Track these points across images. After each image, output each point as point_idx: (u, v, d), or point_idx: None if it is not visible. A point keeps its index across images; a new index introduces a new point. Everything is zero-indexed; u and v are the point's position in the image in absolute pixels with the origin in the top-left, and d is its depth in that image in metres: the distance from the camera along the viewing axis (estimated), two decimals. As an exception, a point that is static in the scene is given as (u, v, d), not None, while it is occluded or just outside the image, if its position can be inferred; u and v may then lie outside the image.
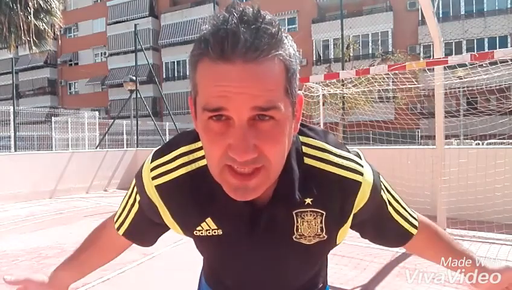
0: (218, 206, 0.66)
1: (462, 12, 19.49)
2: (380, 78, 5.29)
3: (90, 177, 8.82)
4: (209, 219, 0.68)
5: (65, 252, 3.98)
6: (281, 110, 0.52)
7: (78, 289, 3.01)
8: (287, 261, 0.74)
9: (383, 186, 0.74)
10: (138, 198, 0.74)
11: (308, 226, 0.68)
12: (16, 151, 9.02)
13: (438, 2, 5.00)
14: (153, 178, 0.69)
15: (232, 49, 0.49)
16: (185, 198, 0.68)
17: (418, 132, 11.55)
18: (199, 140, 0.66)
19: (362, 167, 0.69)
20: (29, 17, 9.49)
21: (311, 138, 0.69)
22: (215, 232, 0.69)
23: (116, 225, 0.82)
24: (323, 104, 6.13)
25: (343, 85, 6.33)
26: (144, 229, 0.79)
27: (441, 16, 18.61)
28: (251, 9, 0.52)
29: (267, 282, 0.78)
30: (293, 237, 0.69)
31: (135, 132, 10.99)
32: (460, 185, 4.65)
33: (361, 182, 0.67)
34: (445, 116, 4.79)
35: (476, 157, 4.77)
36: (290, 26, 23.73)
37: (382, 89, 5.79)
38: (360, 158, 0.71)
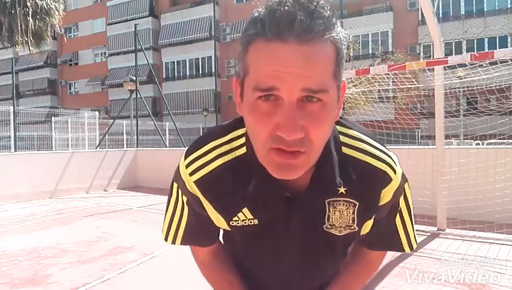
0: (255, 195, 0.66)
1: (462, 12, 19.49)
2: (380, 78, 5.28)
3: (90, 177, 8.81)
4: (245, 209, 0.68)
5: (65, 252, 3.98)
6: (329, 93, 0.53)
7: (78, 289, 3.00)
8: (315, 252, 0.73)
9: (404, 191, 0.74)
10: (185, 198, 0.74)
11: (340, 216, 0.67)
12: (15, 151, 9.02)
13: (438, 2, 4.99)
14: (191, 174, 0.69)
15: (288, 29, 0.49)
16: (223, 188, 0.68)
17: (418, 132, 11.55)
18: (234, 130, 0.70)
19: (396, 165, 0.69)
20: (28, 17, 9.50)
21: (348, 128, 0.70)
22: (251, 222, 0.69)
23: (170, 239, 0.80)
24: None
25: (343, 85, 6.31)
26: (201, 228, 0.78)
27: (441, 16, 18.59)
28: None
29: (294, 274, 0.77)
30: (324, 226, 0.68)
31: (135, 132, 10.99)
32: (460, 185, 4.65)
33: (392, 179, 0.68)
34: (445, 116, 4.79)
35: (476, 157, 4.77)
36: (290, 26, 23.72)
37: (382, 89, 5.78)
38: (395, 158, 0.71)
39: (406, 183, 0.74)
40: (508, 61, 4.02)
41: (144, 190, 8.97)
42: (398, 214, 0.75)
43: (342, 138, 0.68)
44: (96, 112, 13.05)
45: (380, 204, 0.69)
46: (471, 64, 4.20)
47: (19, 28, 9.45)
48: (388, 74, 4.70)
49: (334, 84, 0.55)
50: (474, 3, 19.31)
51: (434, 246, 3.97)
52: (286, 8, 0.50)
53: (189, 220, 0.77)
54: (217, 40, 22.20)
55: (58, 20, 10.53)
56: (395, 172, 0.68)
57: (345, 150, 0.67)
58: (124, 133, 12.57)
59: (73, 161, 8.48)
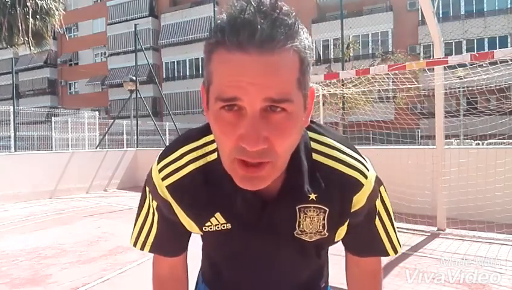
0: (227, 200, 0.66)
1: (462, 12, 19.49)
2: (380, 78, 5.28)
3: (90, 177, 8.81)
4: (218, 213, 0.68)
5: (65, 252, 3.98)
6: (293, 102, 0.52)
7: (78, 289, 3.01)
8: (286, 257, 0.74)
9: (380, 194, 0.74)
10: (155, 204, 0.73)
11: (310, 222, 0.68)
12: (15, 151, 9.02)
13: (438, 2, 4.99)
14: (163, 179, 0.69)
15: (249, 39, 0.48)
16: (196, 194, 0.68)
17: (418, 132, 11.55)
18: (206, 135, 0.69)
19: (368, 170, 0.69)
20: (28, 17, 9.50)
21: (320, 134, 0.69)
22: (224, 226, 0.69)
23: (139, 245, 0.78)
24: (323, 104, 6.12)
25: (343, 85, 6.33)
26: (171, 236, 0.76)
27: (441, 16, 18.60)
28: (274, 2, 0.50)
29: (267, 278, 0.78)
30: (294, 232, 0.69)
31: (135, 132, 10.98)
32: (460, 185, 4.65)
33: (363, 184, 0.67)
34: (445, 116, 4.79)
35: (476, 157, 4.77)
36: (290, 26, 23.72)
37: (382, 89, 5.78)
38: (367, 163, 0.71)
39: (382, 186, 0.74)
40: (508, 61, 4.02)
41: (144, 190, 8.96)
42: (377, 217, 0.75)
43: (313, 145, 0.68)
44: (96, 112, 13.04)
45: (352, 210, 0.69)
46: (471, 64, 4.20)
47: (19, 28, 9.45)
48: (388, 74, 4.70)
49: (299, 93, 0.53)
50: (474, 3, 19.32)
51: (434, 246, 3.97)
52: (247, 16, 0.48)
53: (159, 228, 0.75)
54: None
55: (58, 20, 10.52)
56: (366, 177, 0.68)
57: (315, 156, 0.67)
58: (124, 133, 12.56)
59: (73, 161, 8.48)
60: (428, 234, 4.45)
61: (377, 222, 0.75)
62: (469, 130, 5.92)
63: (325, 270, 0.89)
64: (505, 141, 6.08)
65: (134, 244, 0.79)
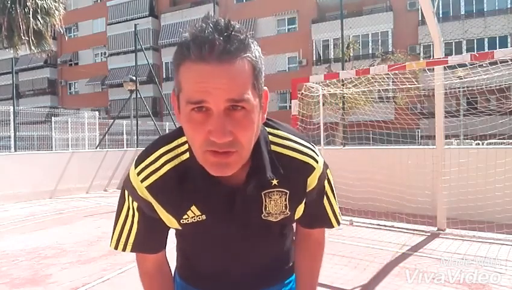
0: (200, 193, 0.75)
1: (462, 12, 19.47)
2: (380, 78, 5.28)
3: (90, 177, 8.82)
4: (193, 206, 0.77)
5: (65, 252, 3.98)
6: (250, 101, 0.63)
7: (78, 289, 3.01)
8: (256, 239, 0.84)
9: (327, 176, 0.87)
10: (135, 205, 0.80)
11: (274, 204, 0.79)
12: (16, 151, 9.01)
13: (438, 2, 4.99)
14: (142, 180, 0.76)
15: (209, 52, 0.59)
16: (173, 191, 0.75)
17: (418, 132, 11.54)
18: (178, 138, 0.78)
19: (318, 156, 0.82)
20: (28, 17, 9.49)
21: (276, 129, 0.81)
22: (199, 218, 0.78)
23: (120, 246, 0.84)
24: (323, 104, 6.12)
25: (343, 85, 6.32)
26: (151, 233, 0.83)
27: (441, 16, 18.58)
28: (223, 20, 0.61)
29: (239, 263, 0.87)
30: (262, 215, 0.79)
31: (135, 132, 10.99)
32: (460, 185, 4.65)
33: (315, 168, 0.80)
34: (445, 116, 4.79)
35: (476, 157, 4.77)
36: (290, 26, 23.70)
37: (382, 89, 5.78)
38: (316, 150, 0.83)
39: (328, 169, 0.88)
40: (508, 61, 4.02)
41: (144, 190, 8.96)
42: (325, 196, 0.88)
43: (271, 138, 0.79)
44: (96, 112, 13.03)
45: (307, 190, 0.81)
46: (471, 64, 4.20)
47: (19, 27, 9.44)
48: (388, 74, 4.70)
49: (255, 93, 0.65)
50: (474, 3, 19.30)
51: (434, 246, 3.98)
52: (206, 34, 0.59)
53: (140, 226, 0.81)
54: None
55: (58, 20, 10.51)
56: (317, 162, 0.80)
57: (273, 147, 0.78)
58: (124, 133, 12.56)
59: (73, 161, 8.49)
60: (428, 234, 4.45)
61: (325, 200, 0.88)
62: (469, 130, 5.92)
63: (291, 257, 0.98)
64: (505, 141, 6.08)
65: (116, 247, 0.84)
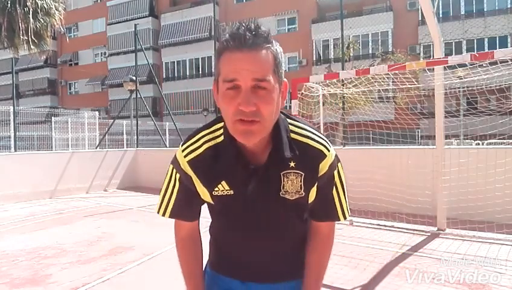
0: (230, 171, 0.91)
1: (462, 12, 19.46)
2: (380, 78, 5.28)
3: (90, 177, 8.81)
4: (223, 181, 0.93)
5: (65, 252, 3.98)
6: (271, 82, 0.81)
7: (78, 289, 3.01)
8: (274, 212, 0.96)
9: (338, 168, 0.98)
10: (178, 176, 0.98)
11: (291, 184, 0.92)
12: (16, 151, 9.01)
13: (438, 2, 4.99)
14: (185, 156, 0.95)
15: (242, 44, 0.79)
16: (208, 166, 0.93)
17: (418, 132, 11.54)
18: (216, 124, 0.97)
19: (329, 147, 0.95)
20: (28, 17, 9.48)
21: (295, 121, 0.97)
22: (228, 192, 0.94)
23: (161, 211, 1.03)
24: (323, 104, 6.11)
25: (343, 85, 6.32)
26: (187, 203, 1.01)
27: (441, 16, 18.58)
28: (253, 23, 0.82)
29: (262, 239, 0.99)
30: (280, 193, 0.92)
31: (135, 132, 10.98)
32: (460, 185, 4.65)
33: (326, 155, 0.93)
34: (445, 116, 4.78)
35: (476, 157, 4.77)
36: (290, 26, 23.71)
37: (382, 89, 5.78)
38: (328, 142, 0.96)
39: (339, 163, 0.99)
40: (508, 61, 4.02)
41: (143, 190, 8.97)
42: (334, 187, 0.98)
43: (291, 127, 0.94)
44: (96, 112, 13.03)
45: (319, 174, 0.93)
46: (471, 64, 4.20)
47: (19, 28, 9.44)
48: (388, 74, 4.70)
49: (275, 78, 0.83)
50: (474, 3, 19.29)
51: (434, 246, 3.97)
52: (240, 32, 0.80)
53: (178, 196, 1.00)
54: (217, 40, 22.14)
55: (58, 20, 10.50)
56: (328, 151, 0.94)
57: (292, 135, 0.93)
58: (124, 133, 12.56)
59: (73, 161, 8.48)
60: (428, 234, 4.45)
61: (334, 191, 0.99)
62: (469, 130, 5.92)
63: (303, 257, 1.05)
64: (505, 141, 6.08)
65: (158, 212, 1.04)
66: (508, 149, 4.95)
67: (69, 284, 3.09)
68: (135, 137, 10.90)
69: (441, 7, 18.16)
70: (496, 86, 4.78)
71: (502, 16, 18.22)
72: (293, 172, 0.91)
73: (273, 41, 0.83)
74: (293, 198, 0.93)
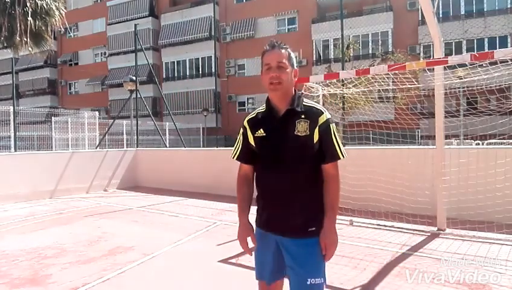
0: (265, 121, 1.67)
1: (462, 12, 19.45)
2: (380, 78, 5.28)
3: (90, 177, 8.81)
4: (261, 129, 1.66)
5: (65, 252, 3.98)
6: (286, 64, 1.61)
7: (78, 289, 3.01)
8: (292, 147, 1.58)
9: (332, 124, 1.63)
10: (241, 131, 1.75)
11: (301, 127, 1.58)
12: (15, 151, 9.01)
13: (438, 2, 4.98)
14: (247, 120, 1.74)
15: (272, 48, 1.64)
16: (255, 120, 1.71)
17: (418, 132, 11.55)
18: (262, 105, 1.74)
19: (326, 111, 1.64)
20: (28, 17, 9.48)
21: (306, 98, 1.70)
22: (263, 134, 1.65)
23: (232, 155, 1.80)
24: (323, 104, 6.11)
25: (343, 85, 6.32)
26: (247, 150, 1.73)
27: (441, 16, 18.58)
28: (279, 41, 1.66)
29: (284, 167, 1.59)
30: (294, 132, 1.58)
31: (135, 132, 10.98)
32: (460, 185, 4.65)
33: (323, 113, 1.62)
34: (445, 116, 4.78)
35: (476, 157, 4.77)
36: (290, 26, 23.70)
37: (382, 89, 5.78)
38: (326, 110, 1.66)
39: (333, 124, 1.65)
40: (508, 61, 4.02)
41: (143, 190, 8.97)
42: (331, 133, 1.60)
43: (304, 100, 1.66)
44: (96, 112, 13.05)
45: (319, 123, 1.59)
46: (471, 64, 4.20)
47: (19, 28, 9.44)
48: (388, 74, 4.70)
49: (289, 64, 1.62)
50: (474, 3, 19.28)
51: (434, 246, 3.97)
52: (271, 43, 1.66)
53: (240, 144, 1.76)
54: (217, 40, 22.19)
55: (58, 20, 10.50)
56: (324, 112, 1.62)
57: (304, 102, 1.65)
58: (124, 133, 12.57)
59: (73, 161, 8.48)
60: (428, 234, 4.45)
61: (332, 138, 1.60)
62: (469, 130, 5.92)
63: (319, 203, 1.63)
64: (505, 141, 6.08)
65: (232, 156, 1.81)
66: (508, 149, 4.94)
67: (69, 284, 3.09)
68: (135, 137, 10.90)
69: (441, 7, 18.16)
70: (496, 86, 4.77)
71: (502, 16, 18.22)
72: (303, 120, 1.58)
73: (289, 49, 1.66)
74: (302, 135, 1.56)
